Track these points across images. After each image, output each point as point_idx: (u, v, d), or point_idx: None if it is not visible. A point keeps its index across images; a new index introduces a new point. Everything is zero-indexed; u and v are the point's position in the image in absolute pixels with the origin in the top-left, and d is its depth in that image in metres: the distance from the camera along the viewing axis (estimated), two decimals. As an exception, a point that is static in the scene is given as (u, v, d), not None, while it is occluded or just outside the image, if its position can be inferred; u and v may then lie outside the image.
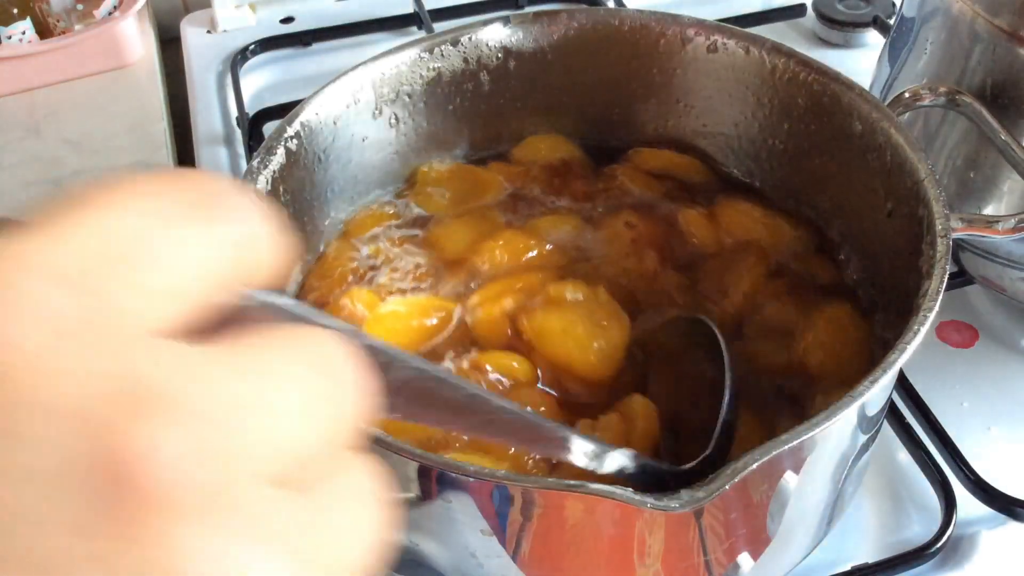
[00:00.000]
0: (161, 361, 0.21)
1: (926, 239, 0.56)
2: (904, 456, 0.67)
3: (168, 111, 1.00)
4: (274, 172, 0.61)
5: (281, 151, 0.62)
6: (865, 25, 1.01)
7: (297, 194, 0.64)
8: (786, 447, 0.45)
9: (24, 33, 1.00)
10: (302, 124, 0.64)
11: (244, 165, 0.90)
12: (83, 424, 0.19)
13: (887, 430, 0.67)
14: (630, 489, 0.44)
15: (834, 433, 0.51)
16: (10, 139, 0.96)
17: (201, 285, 0.23)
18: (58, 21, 1.03)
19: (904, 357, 0.50)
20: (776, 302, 0.64)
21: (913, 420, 0.68)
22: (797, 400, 0.60)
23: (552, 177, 0.73)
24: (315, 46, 1.04)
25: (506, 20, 0.70)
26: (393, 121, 0.70)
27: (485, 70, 0.71)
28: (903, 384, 0.69)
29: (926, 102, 0.65)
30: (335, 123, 0.66)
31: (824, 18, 1.02)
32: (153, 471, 0.19)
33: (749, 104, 0.70)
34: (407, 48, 0.69)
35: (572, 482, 0.45)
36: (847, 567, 0.61)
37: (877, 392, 0.49)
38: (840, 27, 1.02)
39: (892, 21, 0.85)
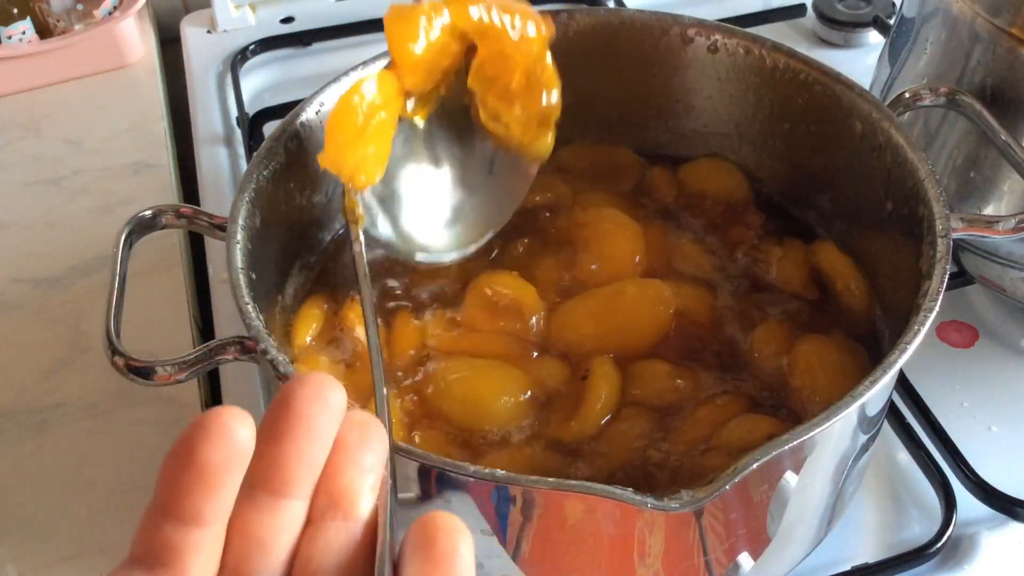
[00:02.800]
0: None
1: (926, 239, 0.56)
2: (904, 456, 0.67)
3: (168, 111, 1.00)
4: (274, 172, 0.61)
5: (281, 151, 0.62)
6: (865, 25, 1.01)
7: (297, 194, 0.64)
8: (786, 447, 0.46)
9: (24, 33, 0.99)
10: (302, 124, 0.64)
11: (244, 165, 0.90)
12: None
13: (887, 430, 0.67)
14: (630, 489, 0.44)
15: (834, 433, 0.51)
16: (10, 139, 0.96)
17: None
18: (58, 21, 1.03)
19: (904, 357, 0.50)
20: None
21: (913, 420, 0.68)
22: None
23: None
24: (315, 46, 1.04)
25: (506, 20, 0.70)
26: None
27: (485, 70, 0.71)
28: (903, 384, 0.69)
29: (926, 102, 0.65)
30: (335, 123, 0.66)
31: (824, 18, 1.02)
32: None
33: (750, 104, 0.70)
34: (407, 48, 0.69)
35: (572, 482, 0.45)
36: (847, 567, 0.61)
37: (877, 392, 0.49)
38: (840, 27, 1.02)
39: (892, 21, 0.85)
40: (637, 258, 0.67)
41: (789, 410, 0.60)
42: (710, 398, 0.60)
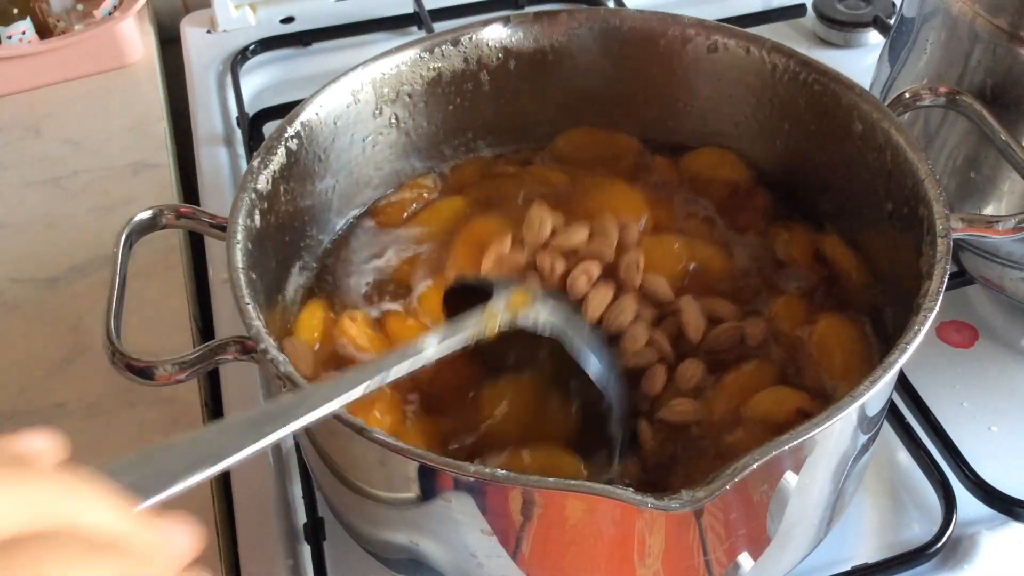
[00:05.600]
0: None
1: (926, 239, 0.56)
2: (904, 456, 0.67)
3: (168, 111, 1.00)
4: (274, 172, 0.61)
5: (282, 151, 0.62)
6: (865, 25, 1.01)
7: (297, 194, 0.64)
8: (786, 447, 0.45)
9: (24, 33, 1.00)
10: (302, 124, 0.64)
11: (244, 165, 0.90)
12: None
13: (887, 430, 0.67)
14: (631, 489, 0.44)
15: (834, 433, 0.51)
16: (10, 139, 0.96)
17: None
18: (58, 21, 1.03)
19: (905, 357, 0.50)
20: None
21: (913, 420, 0.68)
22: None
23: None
24: (315, 46, 1.04)
25: (506, 20, 0.70)
26: (393, 121, 0.70)
27: (485, 70, 0.71)
28: (903, 384, 0.69)
29: (926, 102, 0.65)
30: (335, 123, 0.66)
31: (824, 18, 1.02)
32: None
33: (749, 104, 0.70)
34: (407, 48, 0.69)
35: (573, 482, 0.45)
36: (847, 567, 0.61)
37: (877, 392, 0.49)
38: (840, 27, 1.02)
39: (892, 21, 0.85)
40: (643, 220, 0.67)
41: (807, 385, 0.60)
42: (737, 365, 0.60)
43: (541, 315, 0.56)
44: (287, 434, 0.42)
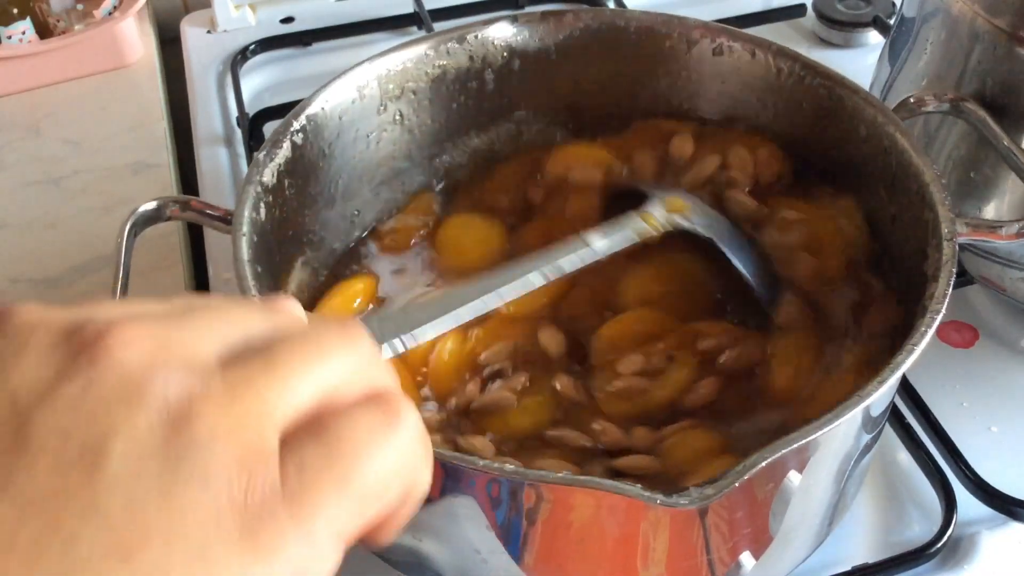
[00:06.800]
0: None
1: (931, 243, 0.56)
2: (904, 456, 0.67)
3: (168, 111, 1.00)
4: (280, 165, 0.61)
5: (287, 144, 0.62)
6: (865, 25, 1.01)
7: (302, 188, 0.64)
8: (795, 445, 0.45)
9: (24, 33, 0.99)
10: (308, 118, 0.64)
11: (244, 165, 0.90)
12: None
13: (887, 430, 0.67)
14: (639, 485, 0.44)
15: (840, 433, 0.52)
16: (10, 139, 0.96)
17: None
18: (58, 21, 1.03)
19: (912, 358, 0.50)
20: None
21: (913, 420, 0.68)
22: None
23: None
24: (315, 46, 1.04)
25: (513, 19, 0.70)
26: (398, 117, 0.70)
27: (490, 68, 0.71)
28: (903, 384, 0.69)
29: (930, 107, 0.65)
30: (340, 118, 0.66)
31: (824, 18, 1.02)
32: None
33: (753, 107, 0.70)
34: (414, 45, 0.69)
35: (582, 477, 0.45)
36: (848, 567, 0.61)
37: (883, 393, 0.49)
38: (840, 27, 1.02)
39: (892, 21, 0.85)
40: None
41: None
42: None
43: (696, 219, 0.61)
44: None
